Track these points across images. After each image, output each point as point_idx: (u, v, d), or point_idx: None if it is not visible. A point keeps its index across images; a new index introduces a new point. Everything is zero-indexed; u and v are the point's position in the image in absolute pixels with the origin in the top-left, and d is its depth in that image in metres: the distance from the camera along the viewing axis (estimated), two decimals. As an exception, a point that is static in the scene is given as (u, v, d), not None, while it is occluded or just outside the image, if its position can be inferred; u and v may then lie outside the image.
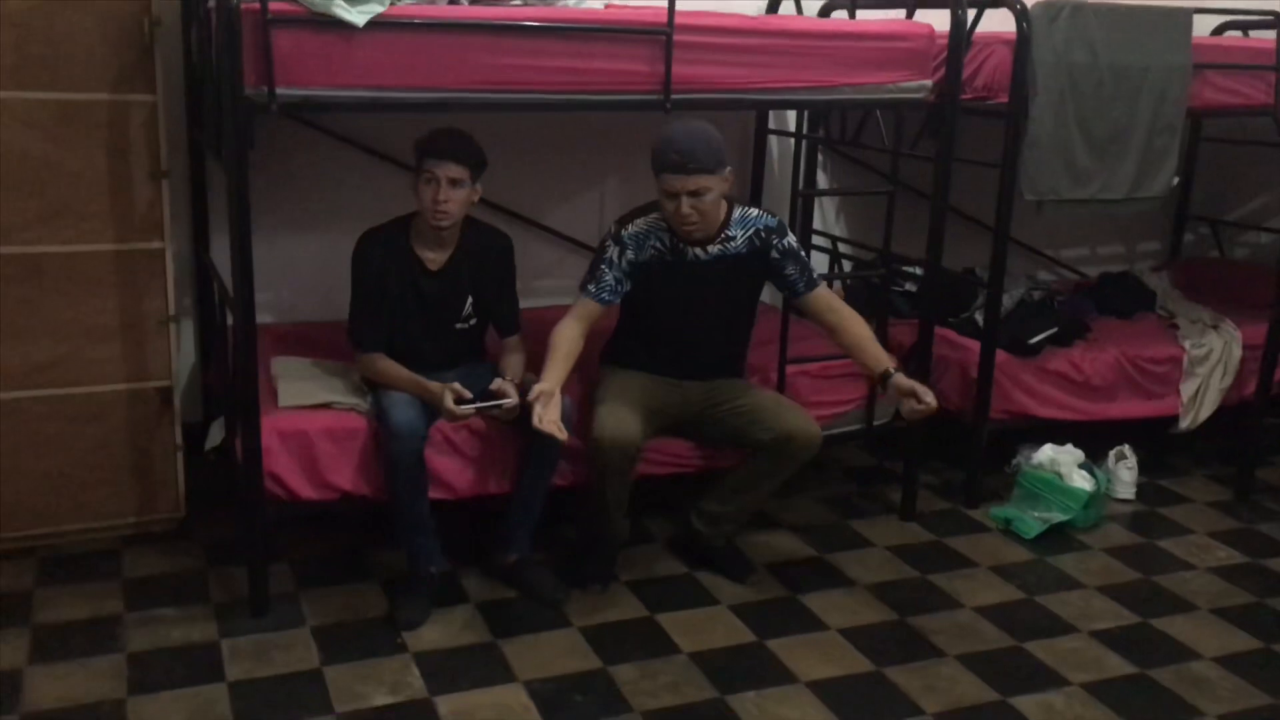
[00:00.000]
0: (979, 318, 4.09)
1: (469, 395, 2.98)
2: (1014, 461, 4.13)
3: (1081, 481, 3.82)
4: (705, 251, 3.14)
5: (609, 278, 3.14)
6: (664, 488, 3.47)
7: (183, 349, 3.86)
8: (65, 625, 2.96)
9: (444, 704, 2.71)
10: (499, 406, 3.00)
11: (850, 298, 4.29)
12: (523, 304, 3.82)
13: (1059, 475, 3.84)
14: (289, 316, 3.90)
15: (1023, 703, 2.83)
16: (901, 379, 3.12)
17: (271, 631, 2.98)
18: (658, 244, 3.14)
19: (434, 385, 3.00)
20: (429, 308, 3.14)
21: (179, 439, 3.40)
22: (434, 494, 3.11)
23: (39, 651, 2.84)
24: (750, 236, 3.17)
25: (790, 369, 3.56)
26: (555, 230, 4.27)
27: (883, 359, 3.20)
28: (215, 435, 3.34)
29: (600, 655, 2.94)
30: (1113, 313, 4.56)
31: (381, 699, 2.72)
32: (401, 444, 2.92)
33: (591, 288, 3.14)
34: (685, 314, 3.22)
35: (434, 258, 3.11)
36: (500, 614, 3.11)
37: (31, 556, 3.29)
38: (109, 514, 3.38)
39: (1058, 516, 3.76)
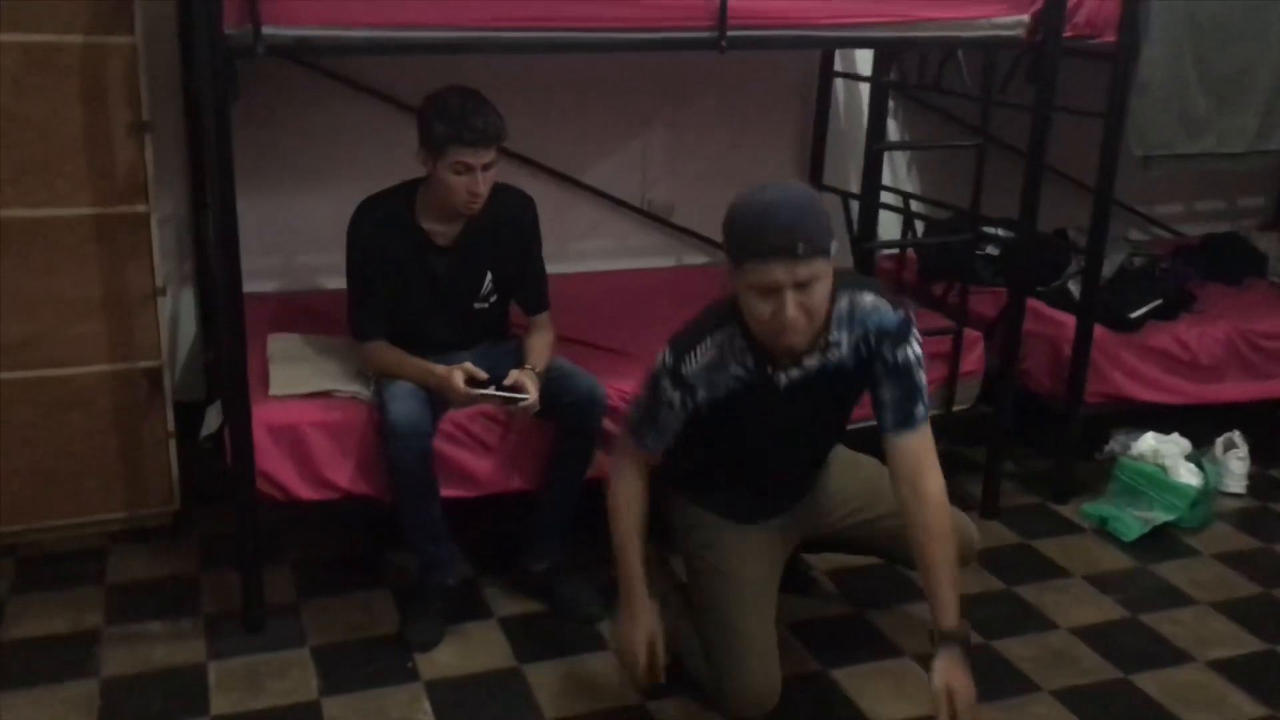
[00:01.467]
0: (1072, 287, 3.62)
1: (484, 376, 2.58)
2: (1106, 448, 3.68)
3: (1189, 476, 3.36)
4: (800, 367, 2.22)
5: (673, 424, 2.28)
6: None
7: (182, 323, 3.52)
8: (38, 642, 2.63)
9: (457, 748, 2.35)
10: (514, 403, 2.59)
11: (925, 262, 3.84)
12: (558, 269, 3.40)
13: (1163, 469, 3.38)
14: (299, 284, 3.52)
15: (1134, 753, 2.42)
16: (946, 665, 2.12)
17: (266, 652, 2.62)
18: (740, 371, 2.23)
19: (441, 370, 2.60)
20: (440, 289, 2.73)
21: (171, 425, 3.04)
22: (450, 491, 2.73)
23: (5, 675, 2.50)
24: (858, 341, 2.22)
25: (859, 349, 3.12)
26: (593, 187, 3.84)
27: (949, 610, 2.16)
28: (212, 421, 2.98)
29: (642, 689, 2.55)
30: (1219, 279, 4.06)
31: (386, 740, 2.36)
32: (402, 443, 2.53)
33: (649, 439, 2.30)
34: (774, 447, 2.40)
35: (443, 231, 2.69)
36: (526, 633, 2.74)
37: (10, 557, 2.96)
38: (96, 508, 3.04)
39: (1161, 516, 3.31)
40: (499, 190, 2.70)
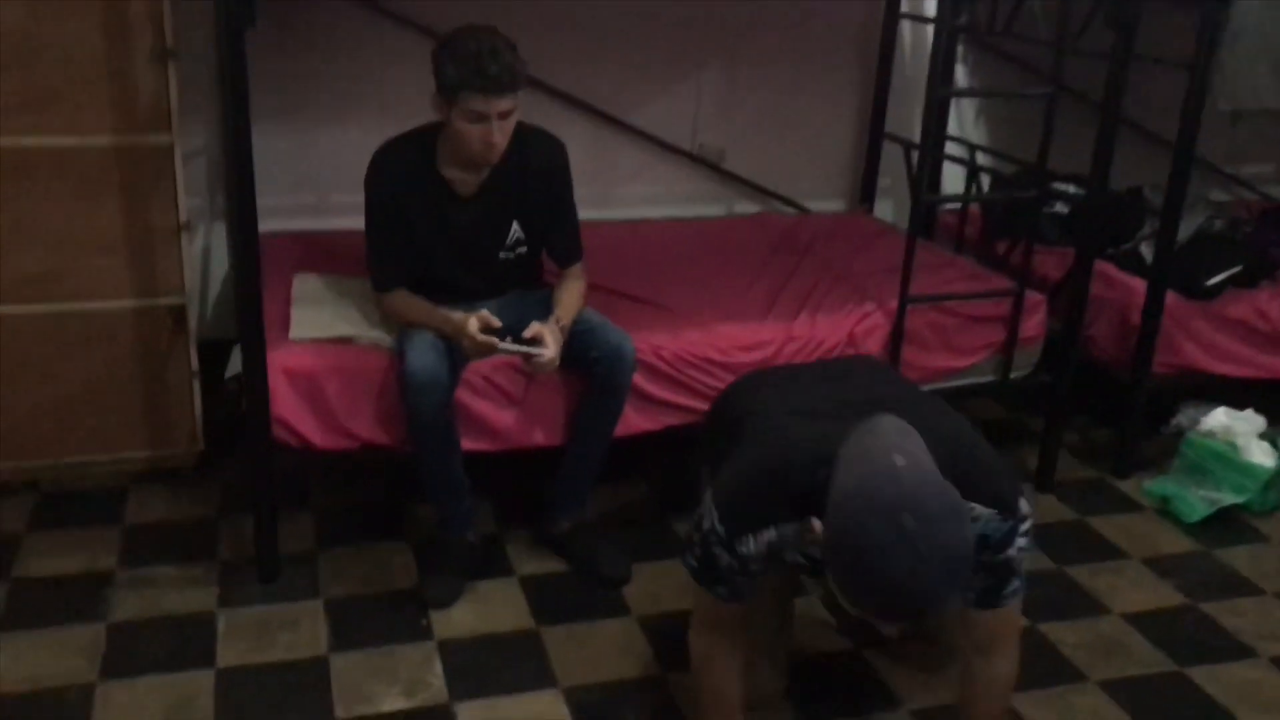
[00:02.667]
0: (1145, 250, 3.40)
1: (498, 324, 2.44)
2: (1173, 423, 3.47)
3: (1261, 456, 3.15)
4: None
5: (739, 580, 1.89)
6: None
7: (215, 259, 3.43)
8: (49, 581, 2.58)
9: (465, 713, 2.25)
10: (530, 357, 2.45)
11: (989, 219, 3.63)
12: (600, 215, 3.28)
13: (1234, 447, 3.17)
14: (332, 222, 3.40)
15: (1185, 754, 2.25)
16: None
17: (279, 603, 2.55)
18: (800, 559, 1.93)
19: (457, 316, 2.47)
20: (462, 241, 2.59)
21: (195, 364, 2.96)
22: (472, 444, 2.62)
23: (15, 614, 2.46)
24: None
25: (912, 310, 2.95)
26: (642, 130, 3.67)
27: None
28: (238, 361, 2.89)
29: (660, 657, 2.44)
30: (1308, 246, 3.79)
31: (392, 702, 2.27)
32: (420, 395, 2.41)
33: (722, 590, 1.91)
34: None
35: (465, 180, 2.55)
36: (546, 593, 2.63)
37: (33, 491, 2.91)
38: (118, 447, 2.98)
39: (1229, 498, 3.10)
40: (526, 134, 2.54)
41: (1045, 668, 2.46)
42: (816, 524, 1.66)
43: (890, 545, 1.52)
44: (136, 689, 2.26)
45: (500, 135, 2.40)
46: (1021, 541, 1.86)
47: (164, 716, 2.20)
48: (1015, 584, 1.89)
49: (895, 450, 1.62)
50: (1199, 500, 3.12)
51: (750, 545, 1.81)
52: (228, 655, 2.37)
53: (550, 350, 2.44)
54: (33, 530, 2.76)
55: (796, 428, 1.86)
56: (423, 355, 2.43)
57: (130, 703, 2.23)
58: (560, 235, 2.68)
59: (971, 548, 1.61)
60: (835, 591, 1.62)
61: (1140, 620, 2.66)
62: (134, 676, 2.30)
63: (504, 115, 2.39)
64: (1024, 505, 1.85)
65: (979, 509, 1.78)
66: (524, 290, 2.71)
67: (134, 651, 2.36)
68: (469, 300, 2.59)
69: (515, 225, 2.62)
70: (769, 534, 1.79)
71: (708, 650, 1.98)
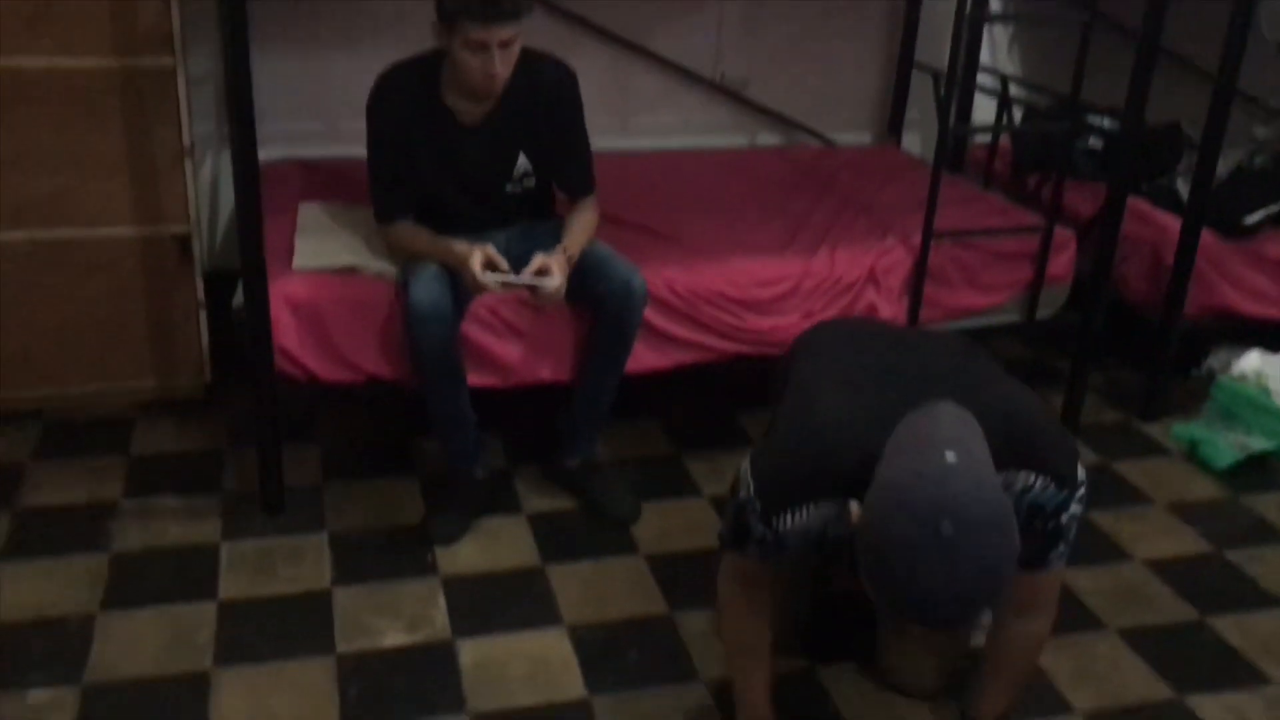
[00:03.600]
0: (1181, 186, 3.28)
1: (503, 263, 2.37)
2: (1204, 366, 3.37)
3: (1295, 401, 3.06)
4: None
5: (771, 552, 1.80)
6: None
7: (223, 184, 3.36)
8: (53, 511, 2.55)
9: (467, 650, 2.21)
10: (536, 288, 2.38)
11: (1020, 152, 3.51)
12: (618, 145, 3.18)
13: (1266, 391, 3.07)
14: (342, 149, 3.32)
15: (1205, 704, 2.19)
16: None
17: (283, 535, 2.51)
18: (841, 533, 1.73)
19: (460, 247, 2.39)
20: (467, 172, 2.51)
21: (201, 294, 2.91)
22: (479, 379, 2.57)
23: (17, 543, 2.44)
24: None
25: (936, 245, 2.85)
26: (662, 56, 3.56)
27: (991, 708, 1.96)
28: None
29: (668, 597, 2.39)
30: (1352, 184, 3.65)
31: (394, 638, 2.24)
32: (422, 328, 2.35)
33: (753, 551, 1.81)
34: None
35: (470, 109, 2.46)
36: (554, 530, 2.58)
37: (38, 420, 2.89)
38: (124, 377, 2.94)
39: (1259, 444, 3.01)
40: (534, 61, 2.45)
41: (1064, 614, 2.36)
42: (855, 508, 1.57)
43: (923, 550, 1.42)
44: (137, 620, 2.24)
45: (502, 66, 2.31)
46: (1075, 508, 1.77)
47: (164, 647, 2.17)
48: (1062, 548, 1.81)
49: (949, 444, 1.51)
50: (1228, 446, 3.03)
51: (788, 522, 1.71)
52: (229, 587, 2.34)
53: (557, 279, 2.36)
54: (37, 460, 2.73)
55: (840, 403, 1.74)
56: (426, 287, 2.36)
57: (130, 633, 2.20)
58: (570, 167, 2.59)
59: (1014, 562, 1.49)
60: (865, 586, 1.53)
61: (1163, 567, 2.59)
62: (135, 607, 2.27)
63: (505, 44, 2.29)
64: (1081, 473, 1.77)
65: (1035, 479, 1.71)
66: (533, 222, 2.64)
67: (136, 582, 2.34)
68: (476, 232, 2.52)
69: (522, 157, 2.54)
70: (807, 512, 1.70)
71: (734, 600, 1.91)
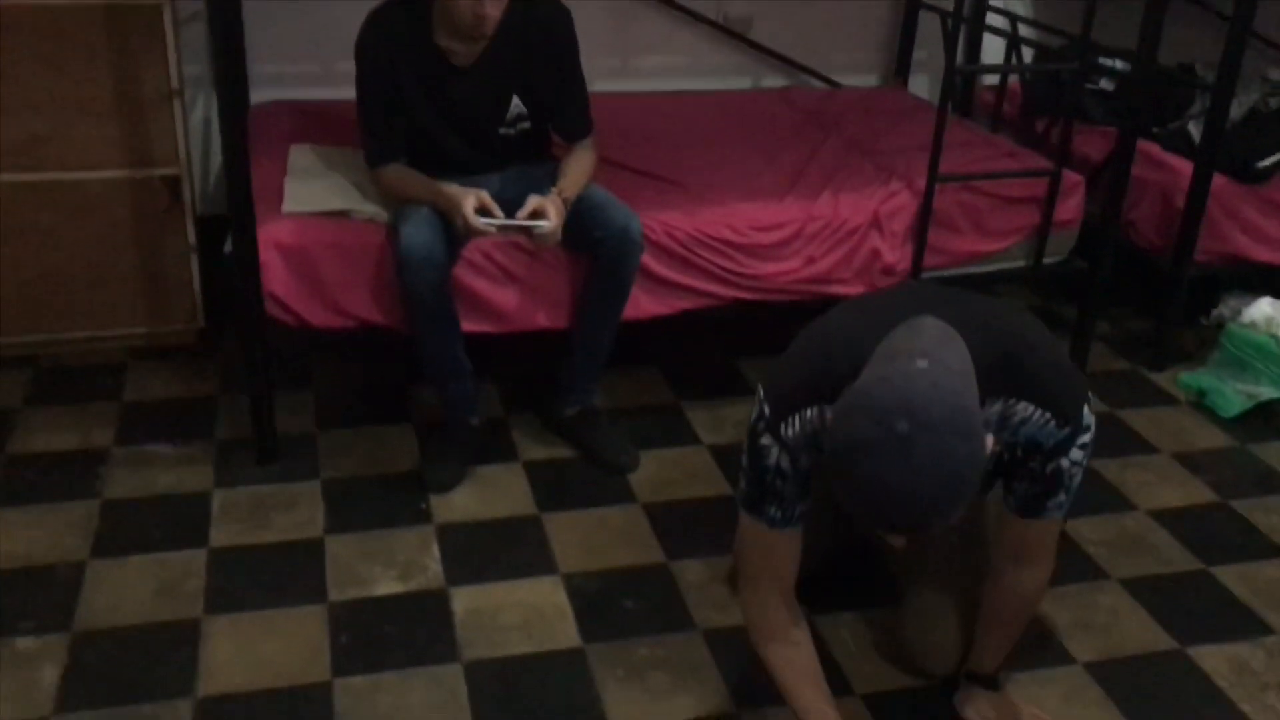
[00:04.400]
0: (1193, 129, 3.20)
1: (496, 208, 2.31)
2: (1214, 313, 3.32)
3: (1306, 349, 3.01)
4: None
5: (789, 490, 1.76)
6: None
7: (215, 127, 3.29)
8: (44, 457, 2.52)
9: (460, 599, 2.19)
10: (530, 230, 2.32)
11: (1030, 94, 3.44)
12: (618, 87, 3.11)
13: (1276, 339, 3.02)
14: (335, 92, 3.25)
15: (1207, 655, 2.16)
16: (968, 698, 1.97)
17: (276, 483, 2.49)
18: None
19: (452, 190, 2.33)
20: (460, 114, 2.45)
21: (193, 239, 2.87)
22: (473, 326, 2.52)
23: (7, 490, 2.41)
24: (1001, 451, 1.73)
25: (941, 189, 2.79)
26: (663, -5, 3.48)
27: (986, 660, 1.95)
28: (237, 235, 2.79)
29: (664, 546, 2.36)
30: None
31: (386, 586, 2.21)
32: (415, 273, 2.30)
33: (774, 512, 1.77)
34: None
35: (462, 50, 2.39)
36: (551, 479, 2.55)
37: (30, 366, 2.85)
38: (116, 322, 2.91)
39: (1269, 393, 2.96)
40: (528, 0, 2.37)
41: (1066, 565, 2.33)
42: (828, 412, 1.56)
43: (878, 446, 1.40)
44: (127, 567, 2.22)
45: (492, 6, 2.24)
46: (1077, 454, 1.71)
47: (154, 595, 2.15)
48: (1061, 497, 1.76)
49: (924, 354, 1.49)
50: (1236, 394, 2.98)
51: (795, 426, 1.69)
52: (220, 535, 2.32)
53: (551, 221, 2.31)
54: (29, 405, 2.70)
55: (847, 320, 1.75)
56: (418, 231, 2.31)
57: (120, 580, 2.18)
58: (566, 109, 2.53)
59: (977, 470, 1.45)
60: (836, 494, 1.51)
61: (1168, 517, 2.55)
62: (125, 555, 2.25)
63: None
64: (1087, 415, 1.71)
65: (1034, 411, 1.66)
66: (527, 165, 2.58)
67: (126, 530, 2.32)
68: (469, 175, 2.46)
69: (515, 100, 2.47)
70: (811, 413, 1.68)
71: (764, 614, 1.82)
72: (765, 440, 1.73)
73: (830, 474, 1.49)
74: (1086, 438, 1.72)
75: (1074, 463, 1.73)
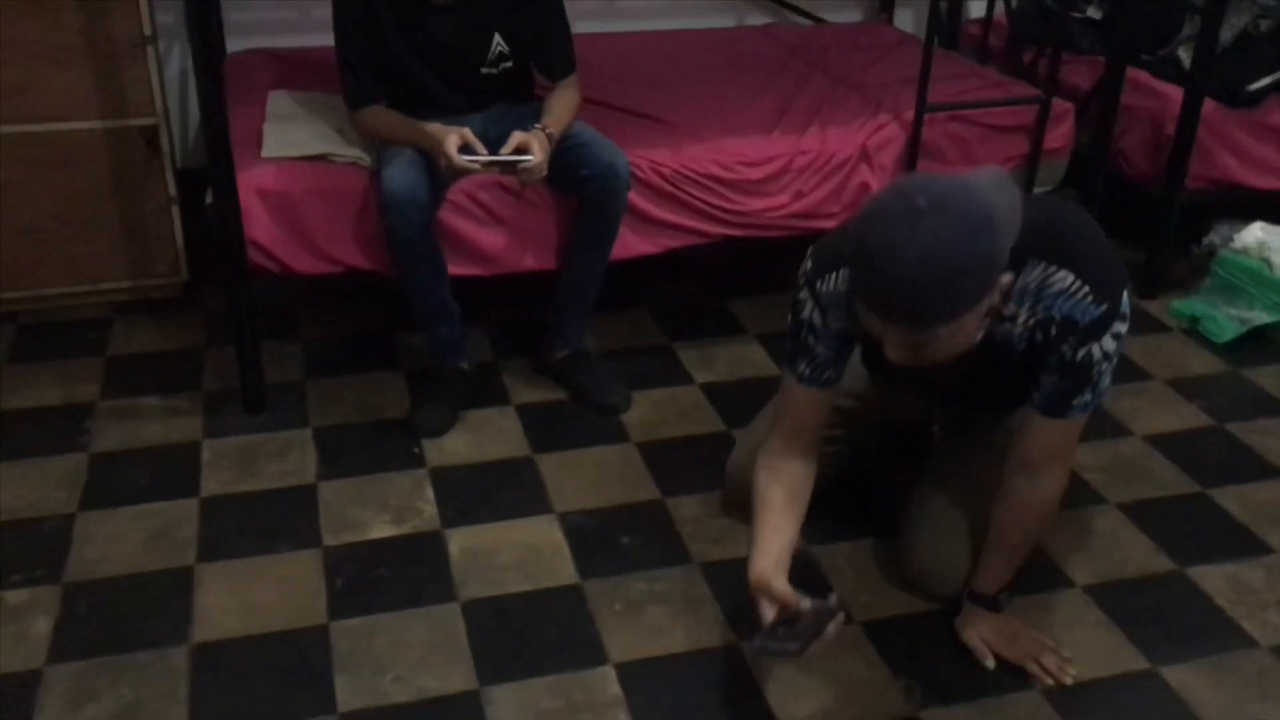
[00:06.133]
0: (1183, 55, 3.17)
1: (480, 146, 2.28)
2: (1205, 241, 3.30)
3: (1298, 273, 2.99)
4: None
5: (820, 350, 1.82)
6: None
7: (191, 79, 3.25)
8: (29, 413, 2.49)
9: (456, 540, 2.17)
10: (515, 165, 2.29)
11: (1016, 25, 3.40)
12: (599, 27, 3.08)
13: (1268, 264, 3.00)
14: (313, 39, 3.20)
15: (1206, 575, 2.15)
16: (968, 619, 1.96)
17: (265, 432, 2.46)
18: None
19: (434, 128, 2.29)
20: (441, 54, 2.40)
21: (173, 190, 2.82)
22: (460, 269, 2.49)
23: (-9, 445, 2.39)
24: (1036, 325, 1.71)
25: (929, 120, 2.75)
26: (642, -67, 3.43)
27: (989, 580, 1.94)
28: (217, 186, 2.74)
29: (659, 483, 2.35)
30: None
31: (381, 529, 2.19)
32: (397, 215, 2.26)
33: (802, 368, 1.85)
34: (931, 392, 2.05)
35: None
36: (543, 421, 2.53)
37: (12, 324, 2.82)
38: (98, 277, 2.87)
39: (1261, 317, 2.95)
40: None
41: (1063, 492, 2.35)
42: None
43: (893, 214, 1.49)
44: (117, 518, 2.19)
45: None
46: (1110, 344, 1.70)
47: (145, 545, 2.13)
48: (1088, 396, 1.75)
49: (971, 178, 1.56)
50: (1229, 320, 2.97)
51: (831, 283, 1.77)
52: (211, 484, 2.30)
53: (536, 156, 2.27)
54: (12, 363, 2.67)
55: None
56: (401, 173, 2.26)
57: (111, 532, 2.16)
58: (549, 47, 2.48)
59: (978, 273, 1.50)
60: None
61: (1163, 442, 2.55)
62: (115, 506, 2.22)
63: None
64: (1125, 303, 1.71)
65: (1073, 282, 1.66)
66: (510, 105, 2.53)
67: (115, 482, 2.29)
68: (451, 115, 2.42)
69: (497, 38, 2.42)
70: (844, 280, 1.74)
71: (768, 454, 1.89)
72: (803, 295, 1.82)
73: (850, 250, 1.57)
74: (1121, 327, 1.71)
75: (1105, 354, 1.70)
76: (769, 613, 1.72)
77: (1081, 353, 1.70)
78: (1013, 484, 1.86)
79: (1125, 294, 1.71)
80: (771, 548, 1.78)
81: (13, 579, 2.04)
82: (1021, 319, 1.71)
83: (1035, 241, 1.64)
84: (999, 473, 1.90)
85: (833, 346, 1.82)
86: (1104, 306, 1.67)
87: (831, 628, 1.67)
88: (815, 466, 1.91)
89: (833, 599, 1.70)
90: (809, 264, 1.82)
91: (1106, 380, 1.76)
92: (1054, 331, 1.70)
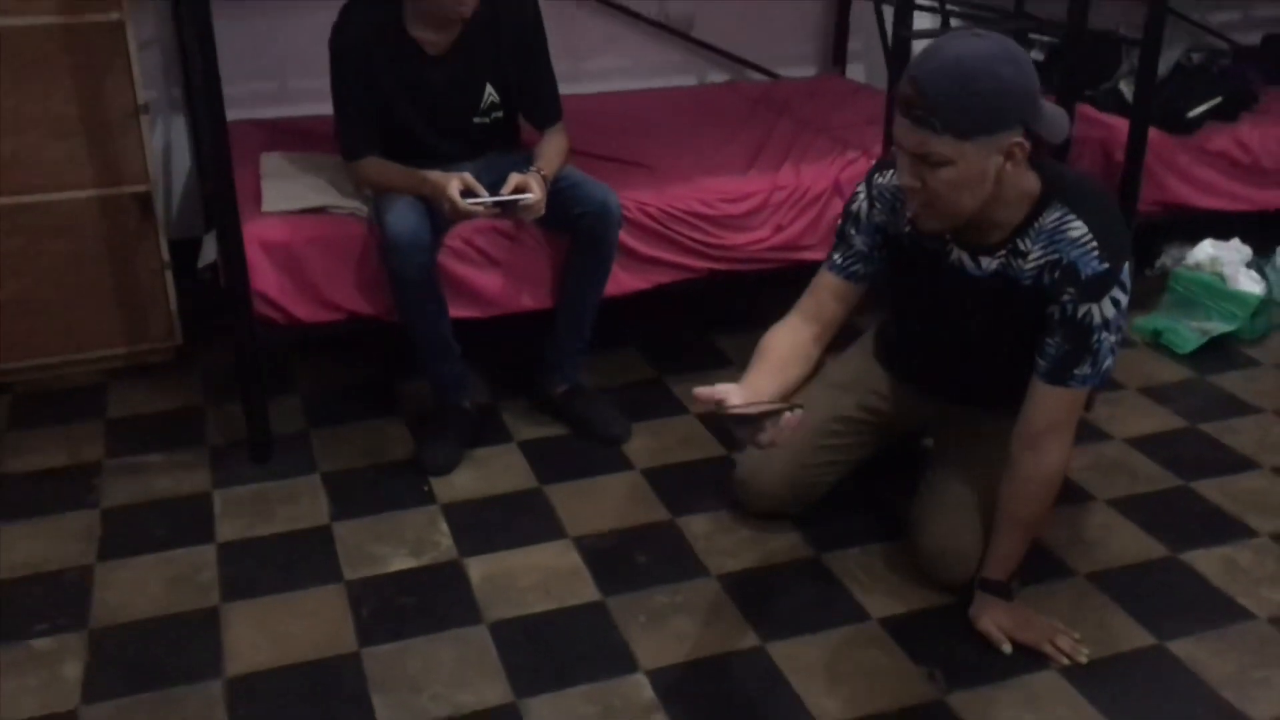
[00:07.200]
0: (1124, 88, 3.36)
1: (479, 188, 2.37)
2: (1158, 264, 3.47)
3: (1249, 284, 3.15)
4: (975, 262, 1.95)
5: (858, 242, 2.05)
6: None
7: (175, 151, 3.32)
8: (34, 475, 2.50)
9: (476, 567, 2.21)
10: (516, 204, 2.38)
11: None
12: (568, 89, 3.17)
13: (1221, 277, 3.17)
14: (292, 109, 3.29)
15: (1198, 558, 2.25)
16: (980, 608, 2.04)
17: (274, 480, 2.49)
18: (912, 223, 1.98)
19: (435, 176, 2.38)
20: (436, 104, 2.50)
21: (166, 255, 2.87)
22: (460, 311, 2.56)
23: (2, 507, 2.38)
24: (1045, 265, 1.88)
25: (895, 153, 2.89)
26: (606, -1, 3.58)
27: (998, 565, 2.03)
28: (208, 250, 2.80)
29: (668, 505, 2.41)
30: (1280, 82, 3.77)
31: (401, 562, 2.23)
32: (402, 257, 2.33)
33: (836, 256, 2.08)
34: (932, 325, 2.13)
35: (435, 40, 2.45)
36: (547, 455, 2.59)
37: (7, 394, 2.82)
38: (93, 344, 2.89)
39: (1220, 327, 3.10)
40: None
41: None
42: None
43: (954, 33, 1.81)
44: (137, 566, 2.21)
45: None
46: (1110, 312, 1.86)
47: (168, 589, 2.14)
48: (1088, 368, 1.89)
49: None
50: (1190, 331, 3.11)
51: (887, 176, 2.00)
52: (227, 530, 2.32)
53: (536, 194, 2.37)
54: (12, 429, 2.67)
55: None
56: (403, 216, 2.34)
57: (132, 579, 2.17)
58: (538, 95, 2.59)
59: (1001, 90, 1.71)
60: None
61: (1142, 443, 2.66)
62: (133, 555, 2.24)
63: None
64: (1125, 273, 1.87)
65: (1082, 232, 1.84)
66: (500, 153, 2.63)
67: (130, 533, 2.30)
68: (444, 164, 2.50)
69: (489, 88, 2.53)
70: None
71: (781, 326, 2.07)
72: (860, 187, 2.07)
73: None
74: (1121, 295, 1.86)
75: (1105, 320, 1.85)
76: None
77: (1082, 310, 1.84)
78: (1018, 458, 1.96)
79: (1127, 265, 1.86)
80: (749, 382, 1.89)
81: (38, 628, 2.04)
82: (1033, 257, 1.88)
83: (1065, 188, 1.88)
84: (1003, 456, 1.99)
85: (868, 242, 2.05)
86: (1106, 265, 1.82)
87: (789, 415, 1.77)
88: (817, 355, 2.07)
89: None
90: (873, 164, 2.07)
91: (1107, 358, 1.89)
92: (1059, 275, 1.86)
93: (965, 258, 1.96)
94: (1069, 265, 1.85)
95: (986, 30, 1.80)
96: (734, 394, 1.78)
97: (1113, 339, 1.89)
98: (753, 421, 1.75)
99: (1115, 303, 1.86)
